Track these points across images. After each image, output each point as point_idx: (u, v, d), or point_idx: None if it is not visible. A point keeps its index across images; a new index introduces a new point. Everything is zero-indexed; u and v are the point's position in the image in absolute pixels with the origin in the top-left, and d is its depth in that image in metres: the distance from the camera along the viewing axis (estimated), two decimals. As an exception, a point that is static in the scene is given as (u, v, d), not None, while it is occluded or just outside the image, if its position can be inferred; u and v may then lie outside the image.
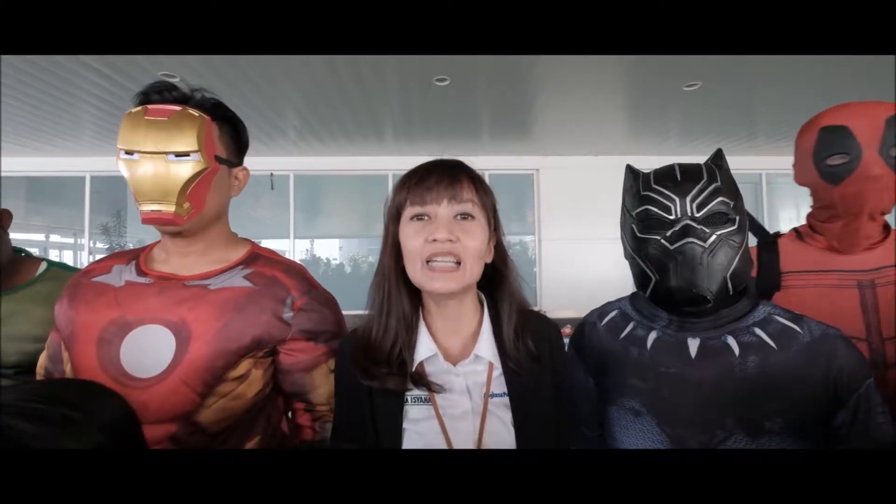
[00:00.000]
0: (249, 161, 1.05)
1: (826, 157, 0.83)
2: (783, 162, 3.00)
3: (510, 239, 0.79)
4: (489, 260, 0.70)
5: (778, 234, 0.95)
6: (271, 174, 5.27)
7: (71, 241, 5.56)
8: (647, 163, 1.20)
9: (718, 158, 0.74)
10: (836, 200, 0.83)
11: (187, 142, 0.69)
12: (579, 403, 0.81)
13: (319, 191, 5.56)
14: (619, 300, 0.84)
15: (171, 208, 0.69)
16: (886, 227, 0.86)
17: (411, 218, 0.67)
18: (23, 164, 5.03)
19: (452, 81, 3.24)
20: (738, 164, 2.82)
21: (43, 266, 0.98)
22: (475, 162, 0.81)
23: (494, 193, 0.74)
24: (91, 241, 5.27)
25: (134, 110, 0.71)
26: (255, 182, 5.23)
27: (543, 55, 2.71)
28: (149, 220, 0.70)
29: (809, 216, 0.93)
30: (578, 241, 5.10)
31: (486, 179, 0.74)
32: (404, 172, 0.74)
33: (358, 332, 0.72)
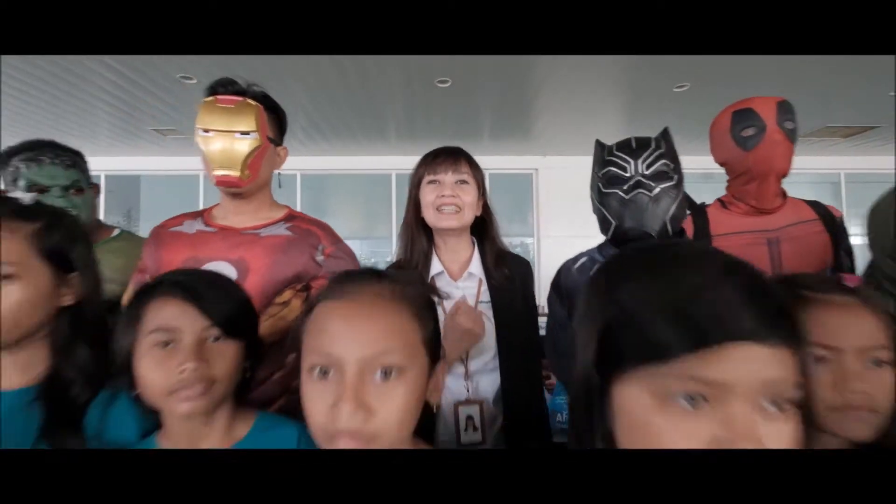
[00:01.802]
0: None
1: (741, 129, 1.09)
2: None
3: (511, 241, 1.09)
4: (478, 213, 1.01)
5: (704, 205, 1.21)
6: (279, 173, 5.56)
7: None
8: None
9: (665, 135, 1.01)
10: (751, 164, 1.09)
11: (248, 123, 0.96)
12: (557, 333, 1.06)
13: (324, 191, 5.85)
14: (589, 250, 1.10)
15: (237, 173, 0.95)
16: (784, 194, 1.12)
17: (427, 182, 1.02)
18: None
19: (454, 83, 3.53)
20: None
21: (116, 231, 1.27)
22: (479, 161, 1.12)
23: (496, 192, 1.08)
24: (103, 239, 5.57)
25: (207, 99, 0.97)
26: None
27: (542, 56, 2.98)
28: (220, 181, 0.96)
29: (729, 187, 1.19)
30: (576, 239, 5.33)
31: (487, 179, 1.05)
32: (407, 172, 1.10)
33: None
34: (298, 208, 5.80)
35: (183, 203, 5.55)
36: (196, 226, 1.01)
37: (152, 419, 0.63)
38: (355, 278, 0.54)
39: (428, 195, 1.00)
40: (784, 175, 1.09)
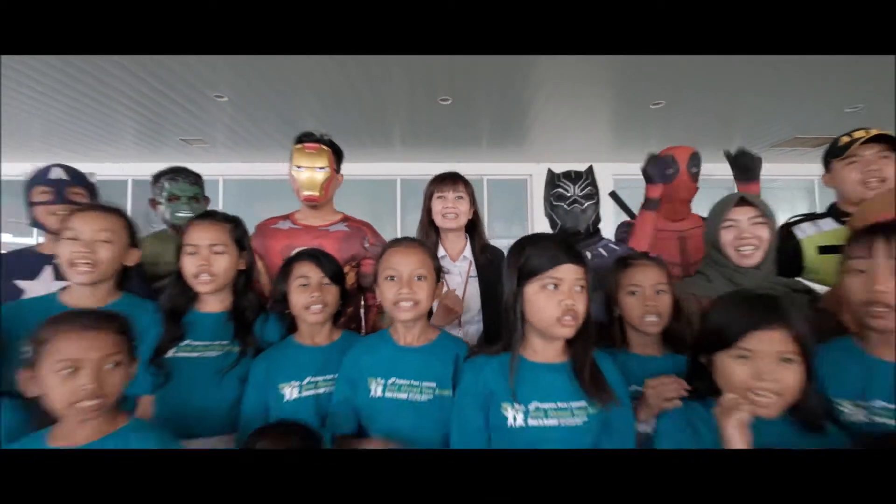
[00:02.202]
0: (272, 167, 1.83)
1: (664, 170, 1.60)
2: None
3: (510, 242, 1.50)
4: (470, 217, 1.49)
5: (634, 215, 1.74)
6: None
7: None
8: (630, 169, 1.96)
9: (590, 170, 1.54)
10: (670, 192, 1.60)
11: (323, 162, 1.47)
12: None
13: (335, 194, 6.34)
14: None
15: (317, 194, 1.47)
16: (689, 209, 1.66)
17: (437, 197, 1.49)
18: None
19: (454, 101, 4.04)
20: (710, 170, 3.56)
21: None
22: (475, 168, 1.62)
23: (494, 195, 1.57)
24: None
25: (297, 146, 1.50)
26: (280, 185, 6.04)
27: (534, 73, 3.45)
28: (306, 199, 1.47)
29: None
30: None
31: (485, 183, 1.55)
32: (411, 178, 1.60)
33: None
34: None
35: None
36: (287, 224, 1.52)
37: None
38: (404, 239, 1.10)
39: (436, 206, 1.49)
40: (688, 200, 1.63)
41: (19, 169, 5.48)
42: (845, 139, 1.43)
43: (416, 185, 5.97)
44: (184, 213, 1.57)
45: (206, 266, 1.07)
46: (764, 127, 4.85)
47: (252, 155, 5.58)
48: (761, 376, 0.73)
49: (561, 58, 3.15)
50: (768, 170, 2.51)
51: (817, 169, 1.62)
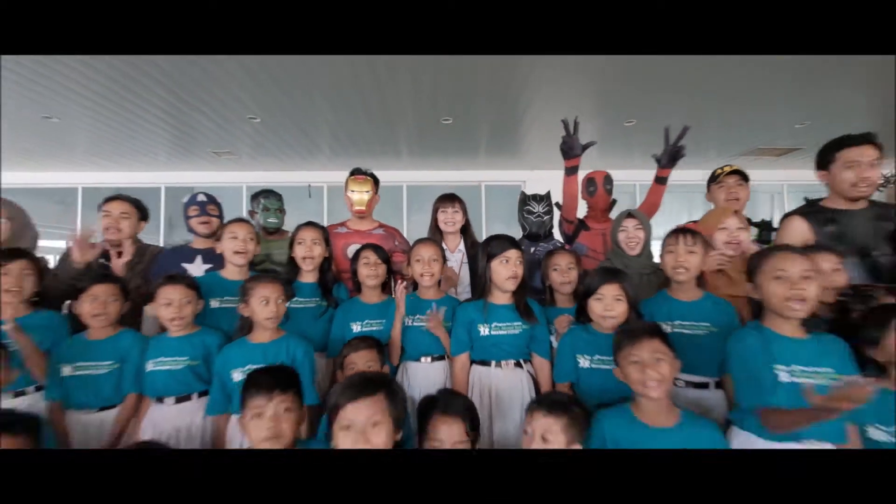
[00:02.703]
0: (290, 174, 3.54)
1: (588, 187, 2.36)
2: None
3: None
4: (463, 223, 2.24)
5: (581, 219, 2.48)
6: (309, 185, 6.84)
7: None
8: (614, 175, 2.60)
9: (549, 195, 2.29)
10: (594, 203, 2.36)
11: (369, 188, 2.23)
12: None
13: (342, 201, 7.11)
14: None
15: (364, 208, 2.21)
16: (609, 216, 2.41)
17: (440, 211, 2.22)
18: (110, 177, 6.62)
19: (455, 121, 4.80)
20: (688, 175, 4.44)
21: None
22: (473, 175, 2.42)
23: (491, 199, 2.39)
24: (163, 240, 6.83)
25: (351, 177, 2.25)
26: (296, 192, 6.82)
27: (527, 89, 4.04)
28: (357, 212, 2.22)
29: (587, 217, 2.45)
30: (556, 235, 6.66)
31: (482, 189, 2.35)
32: (417, 185, 2.51)
33: None
34: (325, 215, 6.89)
35: (229, 209, 6.82)
36: (343, 229, 2.26)
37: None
38: (425, 238, 1.87)
39: (440, 217, 2.19)
40: (606, 209, 2.37)
41: (70, 178, 6.27)
42: (718, 171, 2.19)
43: (420, 191, 6.79)
44: (273, 220, 2.34)
45: (310, 253, 1.83)
46: (733, 139, 5.62)
47: (272, 164, 6.34)
48: (605, 309, 1.47)
49: (549, 79, 3.85)
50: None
51: (784, 175, 2.29)
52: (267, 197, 2.36)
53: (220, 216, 2.11)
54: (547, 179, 6.83)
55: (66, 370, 1.49)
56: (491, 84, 3.90)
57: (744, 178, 2.10)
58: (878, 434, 1.19)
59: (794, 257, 1.19)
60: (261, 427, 1.06)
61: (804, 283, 1.16)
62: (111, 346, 1.54)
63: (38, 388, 1.53)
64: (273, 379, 1.12)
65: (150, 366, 1.53)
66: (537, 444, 1.10)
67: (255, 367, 1.26)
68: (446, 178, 6.51)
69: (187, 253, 2.00)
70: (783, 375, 1.14)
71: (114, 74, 3.59)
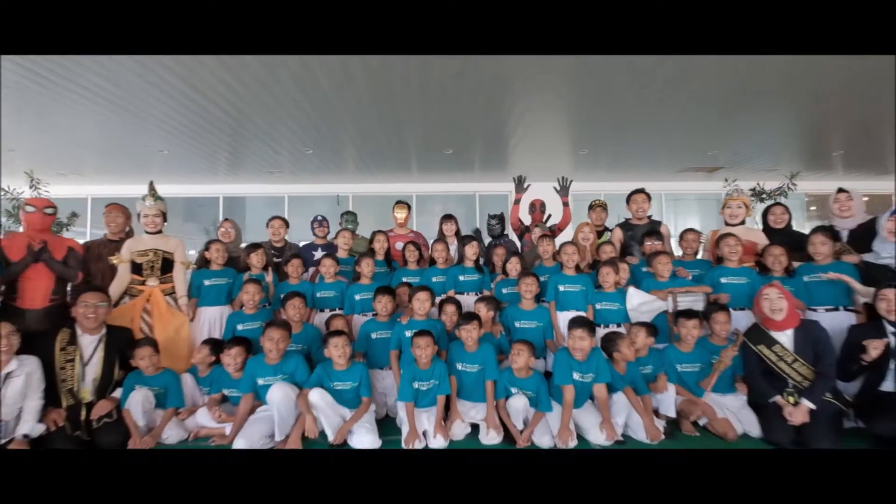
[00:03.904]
0: (322, 186, 6.41)
1: (530, 207, 4.25)
2: (680, 186, 7.65)
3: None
4: (455, 230, 4.12)
5: (528, 227, 4.36)
6: (338, 195, 8.73)
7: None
8: (588, 187, 5.46)
9: (503, 217, 4.20)
10: (533, 217, 4.25)
11: (406, 211, 4.10)
12: None
13: (365, 206, 8.97)
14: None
15: (403, 222, 4.11)
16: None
17: (443, 224, 4.06)
18: (180, 189, 8.49)
19: (454, 152, 6.69)
20: (650, 187, 6.40)
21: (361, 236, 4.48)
22: (470, 186, 4.69)
23: (483, 207, 4.56)
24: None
25: (395, 204, 4.13)
26: (328, 200, 8.68)
27: (512, 117, 5.40)
28: (399, 224, 4.10)
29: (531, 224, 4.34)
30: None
31: (477, 198, 4.52)
32: (423, 194, 4.97)
33: None
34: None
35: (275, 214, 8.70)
36: (392, 233, 4.10)
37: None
38: (437, 240, 3.73)
39: (443, 226, 3.94)
40: (541, 222, 4.26)
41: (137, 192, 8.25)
42: (630, 193, 4.00)
43: (426, 199, 8.65)
44: (352, 227, 4.21)
45: (383, 246, 3.69)
46: (672, 160, 7.49)
47: (309, 178, 8.19)
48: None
49: (529, 118, 5.34)
50: (679, 187, 5.19)
51: (712, 186, 3.98)
52: (351, 214, 4.22)
53: (328, 228, 4.00)
54: (532, 190, 8.92)
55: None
56: (483, 121, 5.50)
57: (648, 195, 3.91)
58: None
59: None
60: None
61: None
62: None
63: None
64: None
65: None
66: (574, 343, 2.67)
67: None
68: (447, 189, 8.40)
69: (313, 247, 3.89)
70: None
71: (194, 113, 5.03)
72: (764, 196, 6.63)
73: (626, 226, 3.67)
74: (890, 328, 2.35)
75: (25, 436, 2.21)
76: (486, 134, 5.97)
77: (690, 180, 8.67)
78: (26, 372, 2.29)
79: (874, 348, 2.26)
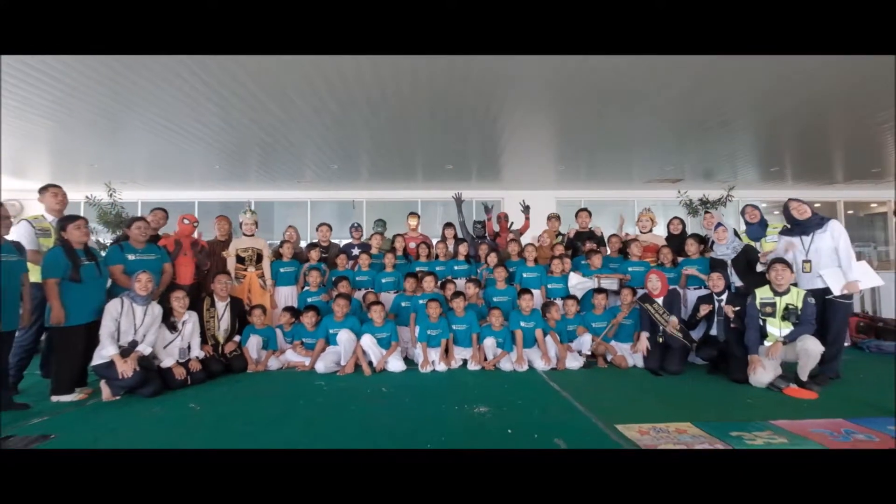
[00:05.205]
0: (339, 192, 7.91)
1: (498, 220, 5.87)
2: (651, 194, 9.48)
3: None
4: (454, 233, 5.76)
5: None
6: (353, 201, 10.36)
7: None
8: (571, 195, 7.58)
9: (484, 223, 5.84)
10: (501, 225, 5.88)
11: (417, 220, 5.72)
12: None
13: (376, 212, 10.60)
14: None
15: (415, 227, 5.75)
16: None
17: (445, 229, 5.68)
18: (217, 195, 10.10)
19: (455, 167, 8.32)
20: (619, 195, 8.62)
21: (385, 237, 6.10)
22: (468, 194, 6.54)
23: (478, 211, 6.17)
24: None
25: (409, 214, 5.74)
26: (344, 204, 10.30)
27: (505, 134, 7.19)
28: (412, 229, 5.71)
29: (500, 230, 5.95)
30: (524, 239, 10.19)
31: (473, 204, 6.35)
32: (428, 200, 7.03)
33: None
34: (364, 224, 11.00)
35: (298, 218, 10.32)
36: (406, 237, 5.74)
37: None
38: (441, 241, 5.38)
39: (445, 231, 5.49)
40: (507, 230, 5.88)
41: (188, 195, 10.34)
42: (577, 210, 5.63)
43: (429, 204, 10.27)
44: (381, 230, 5.82)
45: (401, 245, 5.33)
46: (641, 172, 9.08)
47: (327, 186, 9.77)
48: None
49: (520, 125, 6.51)
50: (649, 195, 7.12)
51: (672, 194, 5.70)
52: (380, 221, 5.82)
53: (362, 232, 5.62)
54: (517, 196, 10.58)
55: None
56: (480, 137, 7.10)
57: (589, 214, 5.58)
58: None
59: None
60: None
61: None
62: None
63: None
64: None
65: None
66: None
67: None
68: (448, 196, 9.89)
69: (352, 245, 5.50)
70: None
71: (239, 132, 6.96)
72: (708, 204, 8.22)
73: (577, 234, 5.30)
74: (717, 298, 3.97)
75: (197, 357, 3.84)
76: (480, 153, 7.56)
77: (658, 189, 10.28)
78: (193, 321, 3.92)
79: (703, 309, 3.89)
